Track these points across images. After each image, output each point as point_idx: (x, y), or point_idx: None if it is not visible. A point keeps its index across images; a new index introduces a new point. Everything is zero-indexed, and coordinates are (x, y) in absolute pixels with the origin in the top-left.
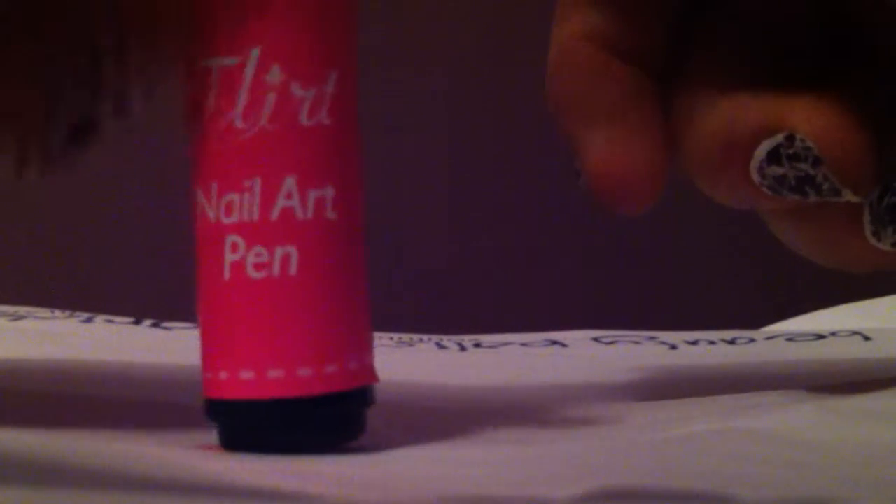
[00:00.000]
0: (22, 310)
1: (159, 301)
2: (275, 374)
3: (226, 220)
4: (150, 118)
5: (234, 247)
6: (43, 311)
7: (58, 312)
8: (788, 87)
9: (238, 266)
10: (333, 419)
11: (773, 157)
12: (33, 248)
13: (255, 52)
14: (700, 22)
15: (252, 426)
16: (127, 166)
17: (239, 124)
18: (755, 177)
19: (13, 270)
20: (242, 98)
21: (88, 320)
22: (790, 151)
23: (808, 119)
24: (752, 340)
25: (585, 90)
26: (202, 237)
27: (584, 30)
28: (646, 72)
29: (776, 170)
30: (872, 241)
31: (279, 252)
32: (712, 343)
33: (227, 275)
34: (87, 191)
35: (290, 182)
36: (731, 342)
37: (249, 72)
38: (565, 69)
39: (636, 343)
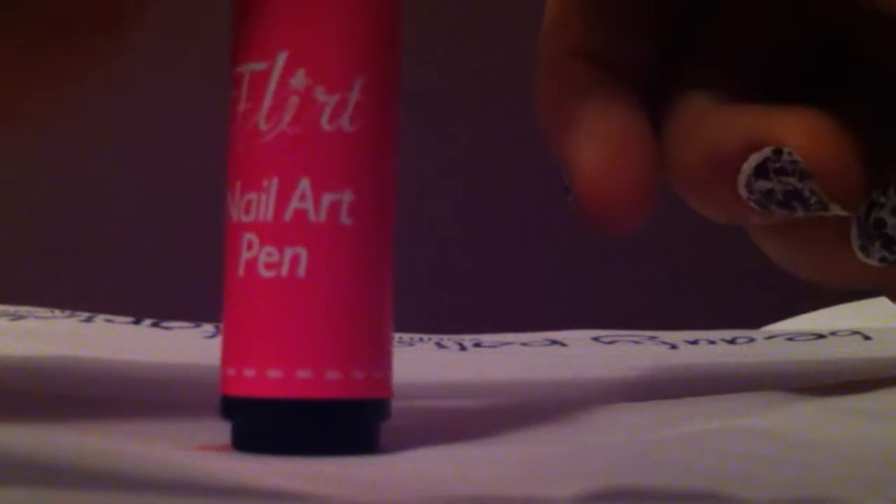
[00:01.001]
0: (22, 310)
1: (159, 301)
2: (274, 373)
3: (244, 219)
4: (151, 119)
5: (250, 245)
6: (43, 311)
7: (58, 312)
8: (776, 101)
9: (251, 264)
10: (334, 426)
11: (761, 171)
12: (33, 248)
13: (282, 57)
14: (688, 36)
15: (251, 424)
16: (127, 167)
17: (262, 126)
18: (742, 192)
19: (13, 270)
20: (267, 101)
21: (88, 320)
22: (777, 165)
23: (796, 133)
24: (752, 340)
25: (573, 106)
26: (227, 235)
27: (571, 45)
28: (634, 87)
29: (764, 184)
30: (861, 256)
31: (289, 253)
32: (712, 343)
33: (241, 272)
34: (88, 191)
35: (304, 184)
36: (731, 342)
37: (275, 75)
38: (552, 85)
39: (636, 343)
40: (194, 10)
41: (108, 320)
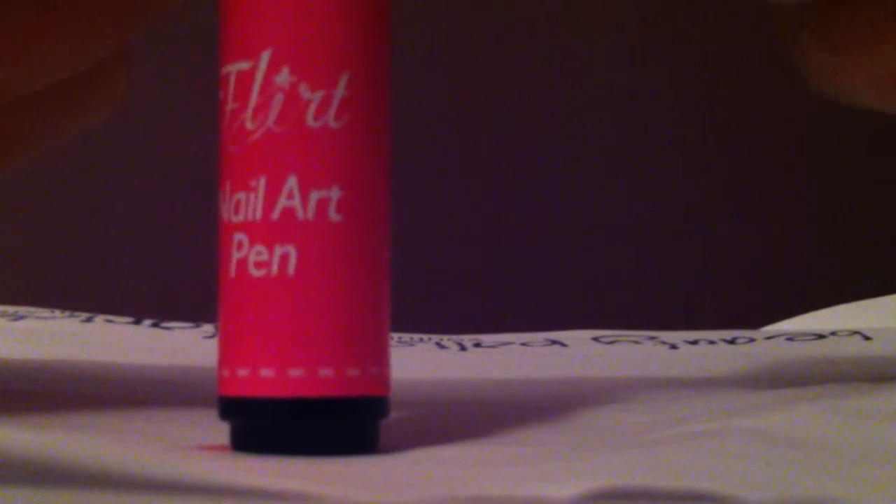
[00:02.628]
0: (22, 310)
1: (159, 301)
2: (267, 373)
3: (234, 219)
4: (151, 119)
5: (240, 245)
6: (43, 311)
7: (58, 312)
8: None
9: (241, 264)
10: (330, 425)
11: None
12: (33, 248)
13: (266, 55)
14: None
15: (247, 425)
16: (127, 167)
17: (249, 125)
18: None
19: (13, 270)
20: (253, 100)
21: (88, 320)
22: None
23: None
24: (752, 340)
25: None
26: (219, 236)
27: None
28: None
29: None
30: None
31: (278, 251)
32: (712, 343)
33: (232, 272)
34: (88, 191)
35: (291, 182)
36: (731, 342)
37: (260, 74)
38: None
39: (636, 343)
40: (191, 10)
41: (108, 320)
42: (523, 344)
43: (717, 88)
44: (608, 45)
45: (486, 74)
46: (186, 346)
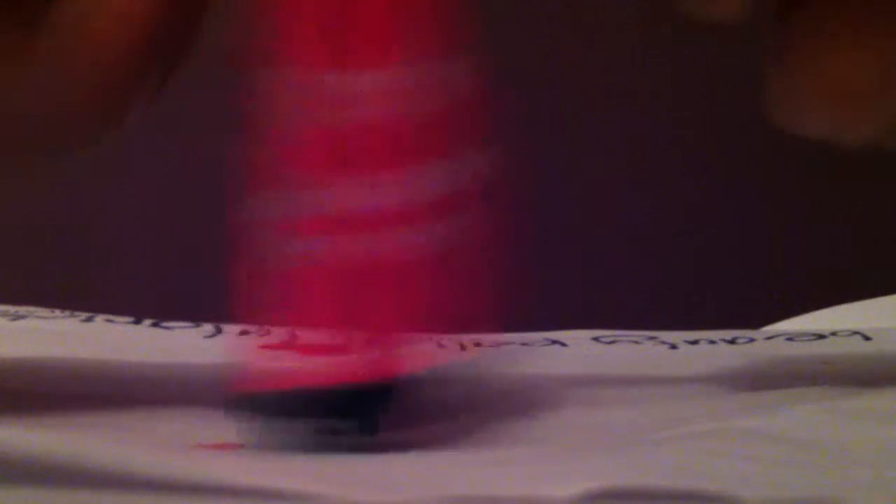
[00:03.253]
0: (22, 310)
1: (159, 301)
2: (272, 367)
3: (271, 215)
4: (150, 118)
5: (276, 239)
6: (43, 311)
7: (58, 312)
8: None
9: (278, 257)
10: (328, 420)
11: None
12: (33, 248)
13: (286, 54)
14: None
15: (251, 420)
16: (128, 167)
17: (284, 124)
18: None
19: (13, 270)
20: (285, 99)
21: (88, 320)
22: None
23: None
24: (752, 340)
25: None
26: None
27: None
28: None
29: None
30: None
31: (312, 243)
32: (712, 343)
33: (270, 265)
34: (88, 191)
35: (329, 176)
36: (731, 342)
37: (286, 73)
38: None
39: (636, 343)
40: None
41: (108, 320)
42: (523, 344)
43: (717, 88)
44: (608, 45)
45: (485, 74)
46: (186, 346)
